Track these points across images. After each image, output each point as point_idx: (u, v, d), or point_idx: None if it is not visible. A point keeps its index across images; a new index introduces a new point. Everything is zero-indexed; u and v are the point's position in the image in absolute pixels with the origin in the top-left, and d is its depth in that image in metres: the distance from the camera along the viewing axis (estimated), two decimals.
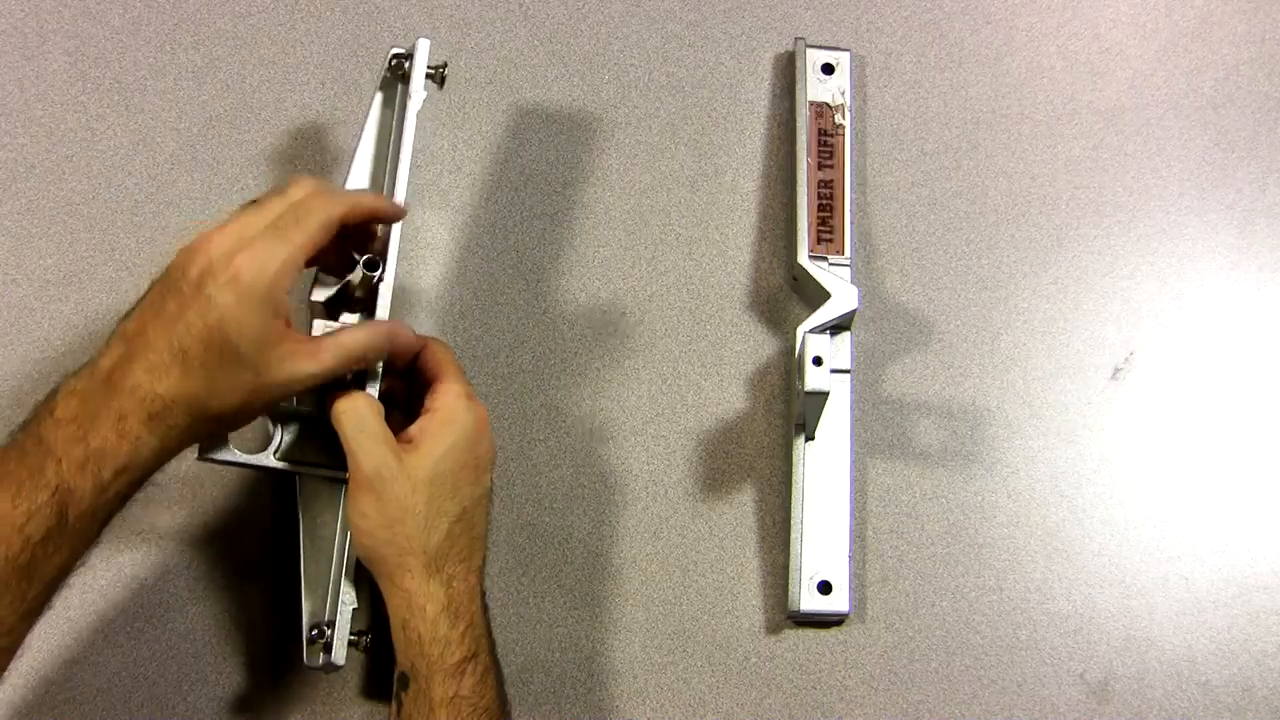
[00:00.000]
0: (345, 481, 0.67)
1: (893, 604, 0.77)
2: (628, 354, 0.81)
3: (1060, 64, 0.87)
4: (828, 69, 0.85)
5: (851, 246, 0.81)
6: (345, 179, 0.72)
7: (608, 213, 0.83)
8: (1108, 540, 0.79)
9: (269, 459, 0.67)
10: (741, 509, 0.79)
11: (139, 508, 0.74)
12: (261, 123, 0.82)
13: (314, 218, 0.60)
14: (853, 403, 0.79)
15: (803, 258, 0.79)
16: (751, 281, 0.82)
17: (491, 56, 0.85)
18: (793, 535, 0.77)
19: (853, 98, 0.84)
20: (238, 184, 0.81)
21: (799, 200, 0.81)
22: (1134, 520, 0.79)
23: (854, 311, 0.77)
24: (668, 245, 0.83)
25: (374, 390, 0.66)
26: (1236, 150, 0.86)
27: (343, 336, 0.63)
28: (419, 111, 0.71)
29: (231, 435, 0.65)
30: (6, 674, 0.57)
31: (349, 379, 0.67)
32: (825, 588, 0.76)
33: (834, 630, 0.77)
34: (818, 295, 0.77)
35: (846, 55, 0.85)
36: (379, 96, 0.74)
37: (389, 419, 0.65)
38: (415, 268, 0.80)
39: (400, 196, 0.69)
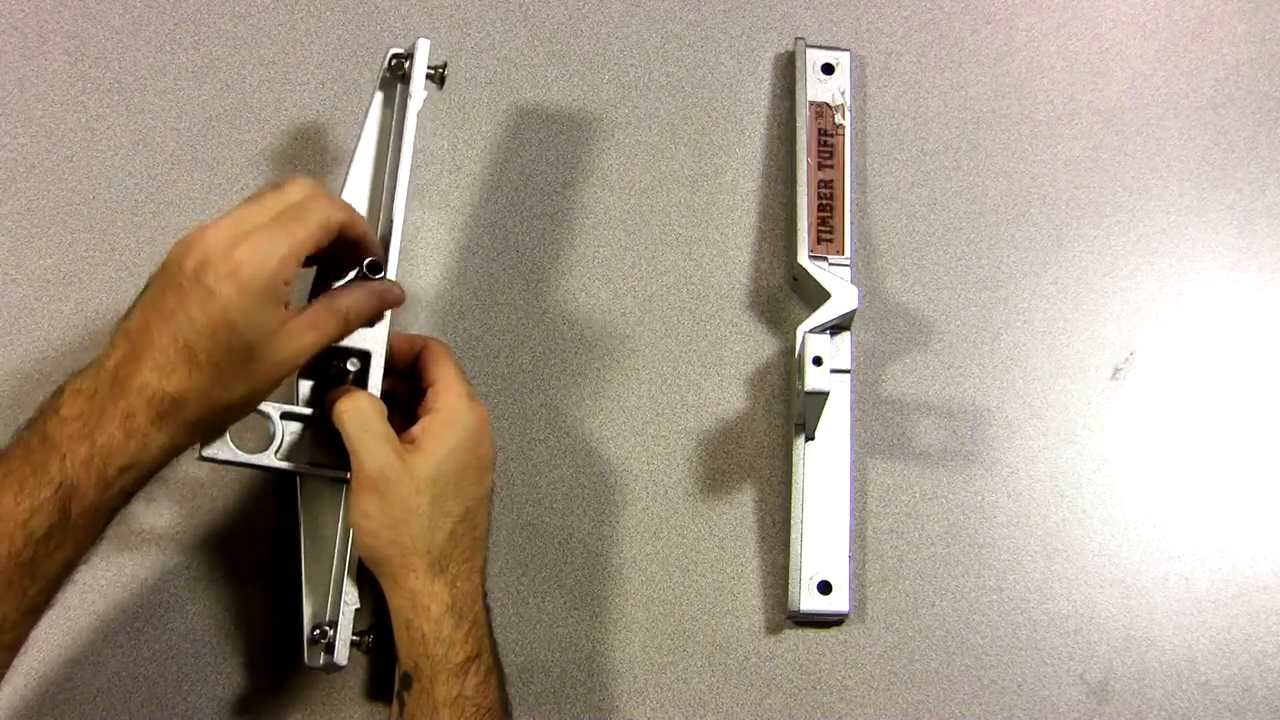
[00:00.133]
0: (346, 481, 0.67)
1: (893, 604, 0.77)
2: (628, 354, 0.81)
3: (1060, 64, 0.87)
4: (828, 69, 0.85)
5: (851, 246, 0.81)
6: (345, 179, 0.71)
7: (608, 213, 0.83)
8: (1108, 540, 0.79)
9: (270, 459, 0.67)
10: (741, 509, 0.79)
11: (140, 508, 0.74)
12: (261, 123, 0.82)
13: (315, 217, 0.60)
14: (853, 403, 0.79)
15: (803, 258, 0.79)
16: (751, 281, 0.82)
17: (491, 56, 0.85)
18: (793, 535, 0.77)
19: (853, 98, 0.84)
20: (238, 184, 0.80)
21: (799, 200, 0.81)
22: (1134, 520, 0.79)
23: (854, 311, 0.77)
24: (668, 245, 0.83)
25: (376, 390, 0.66)
26: (1236, 150, 0.86)
27: (336, 299, 0.63)
28: (419, 112, 0.71)
29: (232, 435, 0.65)
30: (9, 672, 0.57)
31: (350, 379, 0.67)
32: (825, 588, 0.76)
33: (834, 630, 0.77)
34: (818, 295, 0.77)
35: (846, 55, 0.85)
36: (378, 96, 0.73)
37: (389, 419, 0.65)
38: (415, 268, 0.80)
39: (400, 197, 0.69)
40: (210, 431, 0.63)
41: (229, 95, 0.82)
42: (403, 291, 0.68)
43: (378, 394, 0.66)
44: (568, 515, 0.78)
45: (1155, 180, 0.85)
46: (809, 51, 0.85)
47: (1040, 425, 0.81)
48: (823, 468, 0.78)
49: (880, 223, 0.84)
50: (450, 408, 0.65)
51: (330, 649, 0.67)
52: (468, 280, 0.81)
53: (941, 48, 0.87)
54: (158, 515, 0.75)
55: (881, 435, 0.80)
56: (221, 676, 0.74)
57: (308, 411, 0.67)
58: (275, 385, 0.61)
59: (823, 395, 0.72)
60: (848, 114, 0.84)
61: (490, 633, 0.66)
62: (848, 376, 0.80)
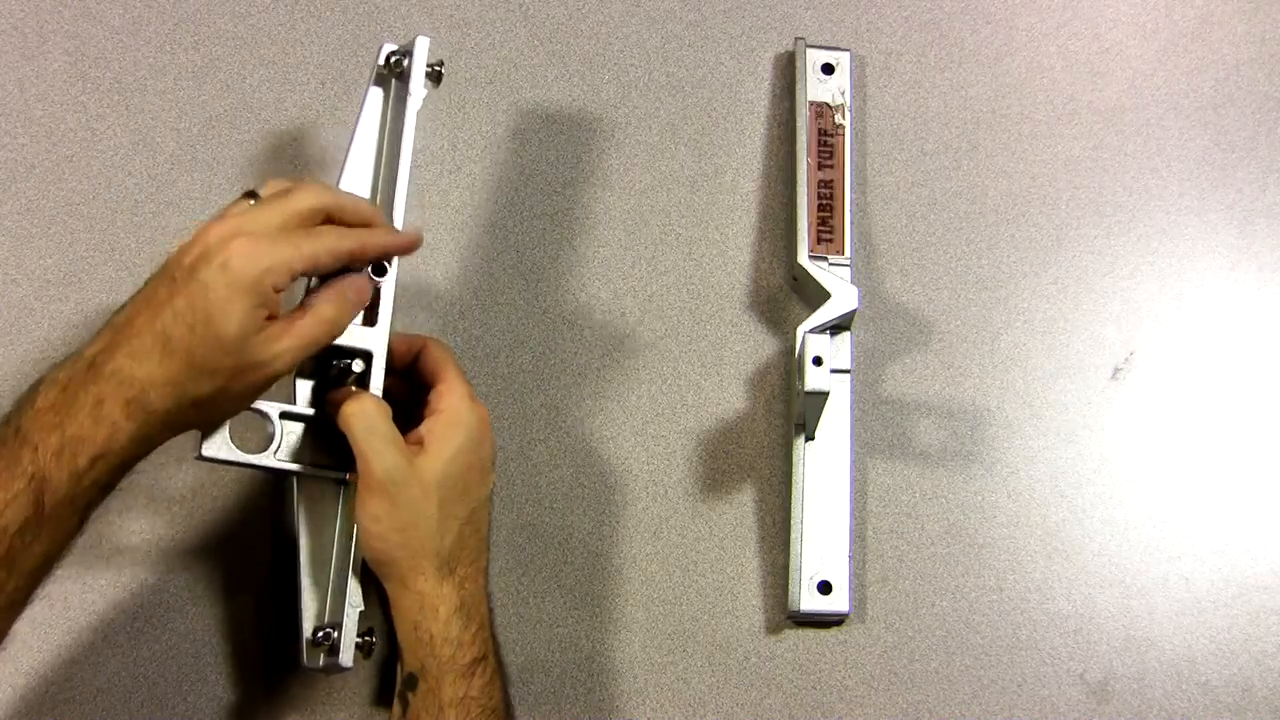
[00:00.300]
0: (346, 482, 0.66)
1: (893, 604, 0.77)
2: (628, 354, 0.81)
3: (1060, 64, 0.87)
4: (828, 69, 0.85)
5: (851, 246, 0.81)
6: (340, 176, 0.70)
7: (608, 213, 0.83)
8: (1108, 540, 0.79)
9: (270, 459, 0.66)
10: (741, 509, 0.79)
11: (139, 509, 0.74)
12: (261, 123, 0.82)
13: (324, 242, 0.60)
14: (853, 403, 0.79)
15: (803, 258, 0.79)
16: (751, 281, 0.82)
17: (491, 56, 0.85)
18: (793, 535, 0.77)
19: (853, 98, 0.84)
20: (238, 184, 0.80)
21: (799, 200, 0.81)
22: (1134, 520, 0.79)
23: (854, 311, 0.77)
24: (668, 245, 0.83)
25: (378, 391, 0.66)
26: (1236, 150, 0.86)
27: (313, 307, 0.61)
28: (418, 111, 0.70)
29: (232, 435, 0.65)
30: (3, 673, 0.57)
31: (351, 379, 0.67)
32: (825, 588, 0.76)
33: (834, 630, 0.77)
34: (818, 295, 0.77)
35: (846, 55, 0.85)
36: (372, 92, 0.72)
37: None
38: (415, 268, 0.80)
39: (401, 197, 0.68)
40: (180, 427, 0.60)
41: (229, 95, 0.82)
42: (413, 239, 0.66)
43: (380, 395, 0.66)
44: (568, 515, 0.78)
45: (1155, 180, 0.85)
46: (809, 51, 0.85)
47: (1040, 425, 0.81)
48: (823, 468, 0.78)
49: (880, 223, 0.84)
50: (454, 409, 0.65)
51: (334, 650, 0.66)
52: (468, 280, 0.81)
53: (941, 48, 0.87)
54: (158, 517, 0.75)
55: (881, 435, 0.80)
56: (221, 678, 0.74)
57: (308, 411, 0.67)
58: (252, 390, 0.60)
59: (823, 395, 0.72)
60: (848, 114, 0.84)
61: (494, 634, 0.67)
62: (848, 376, 0.80)
